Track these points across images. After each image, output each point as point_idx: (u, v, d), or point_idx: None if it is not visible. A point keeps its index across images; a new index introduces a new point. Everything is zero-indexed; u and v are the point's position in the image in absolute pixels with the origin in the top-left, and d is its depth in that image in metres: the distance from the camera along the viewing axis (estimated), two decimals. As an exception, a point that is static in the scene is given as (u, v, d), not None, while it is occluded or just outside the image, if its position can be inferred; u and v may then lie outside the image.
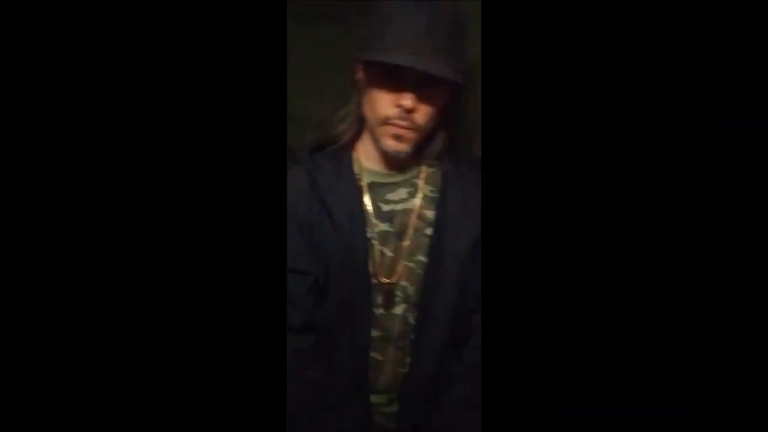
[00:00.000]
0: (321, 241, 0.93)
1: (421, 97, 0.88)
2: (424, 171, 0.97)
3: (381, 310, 0.94)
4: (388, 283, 0.93)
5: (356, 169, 0.97)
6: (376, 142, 0.94)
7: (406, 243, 0.94)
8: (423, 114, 0.90)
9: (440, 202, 0.95)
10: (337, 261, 0.92)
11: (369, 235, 0.94)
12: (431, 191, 0.96)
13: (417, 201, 0.96)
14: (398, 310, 0.94)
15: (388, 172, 0.97)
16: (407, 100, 0.87)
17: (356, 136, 0.99)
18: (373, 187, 0.96)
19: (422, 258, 0.93)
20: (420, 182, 0.97)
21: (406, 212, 0.95)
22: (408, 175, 0.97)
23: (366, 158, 0.98)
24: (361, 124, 0.97)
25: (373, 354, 0.94)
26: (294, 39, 1.12)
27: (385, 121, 0.90)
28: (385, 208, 0.95)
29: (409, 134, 0.90)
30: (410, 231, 0.94)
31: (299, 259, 0.92)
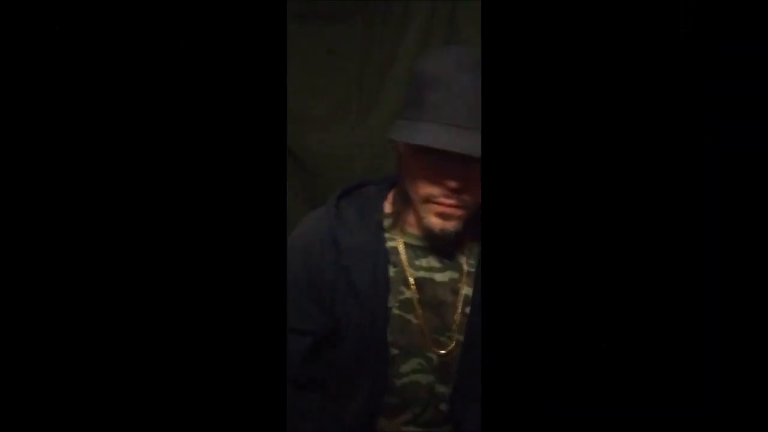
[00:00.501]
0: (335, 302, 0.86)
1: (470, 175, 0.78)
2: (467, 242, 0.88)
3: (405, 379, 0.87)
4: (442, 354, 0.86)
5: (387, 228, 0.88)
6: (420, 219, 0.84)
7: (434, 318, 0.86)
8: (473, 192, 0.80)
9: (477, 277, 0.87)
10: (353, 325, 0.85)
11: (391, 304, 0.86)
12: (470, 265, 0.87)
13: (454, 274, 0.88)
14: (446, 277, 0.87)
15: (425, 244, 0.87)
16: (453, 181, 0.78)
17: (394, 187, 0.90)
18: (406, 249, 0.87)
19: (459, 337, 0.87)
20: (456, 252, 0.88)
21: (440, 284, 0.87)
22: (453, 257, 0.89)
23: (406, 227, 0.88)
24: (404, 200, 0.86)
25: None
26: (294, 39, 1.13)
27: (429, 199, 0.81)
28: (416, 275, 0.87)
29: (458, 212, 0.81)
30: (441, 307, 0.87)
31: (303, 317, 0.87)
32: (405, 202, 0.86)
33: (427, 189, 0.80)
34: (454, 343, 0.86)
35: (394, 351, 0.86)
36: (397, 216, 0.87)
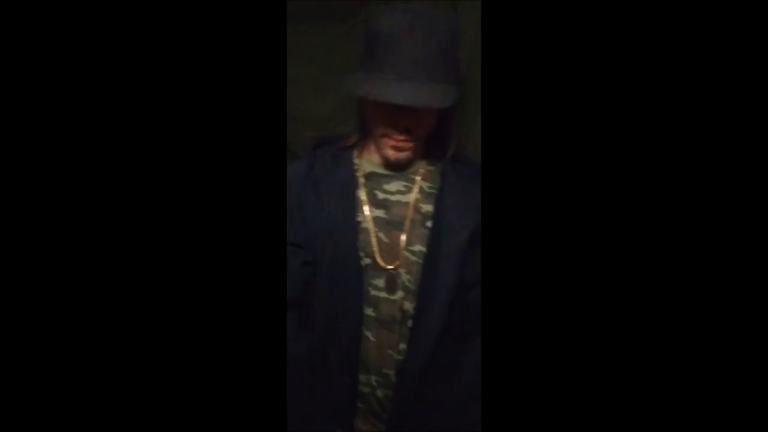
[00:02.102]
0: (311, 223, 0.97)
1: (418, 116, 0.92)
2: (423, 168, 1.00)
3: (382, 293, 0.96)
4: (391, 269, 0.95)
5: (356, 162, 1.01)
6: (378, 149, 0.98)
7: (404, 233, 0.96)
8: (422, 128, 0.95)
9: (437, 197, 0.98)
10: (326, 242, 0.95)
11: (360, 219, 0.97)
12: (429, 187, 1.00)
13: (413, 195, 0.99)
14: (396, 295, 0.95)
15: (388, 171, 1.01)
16: (403, 120, 0.91)
17: (360, 141, 1.03)
18: (371, 177, 1.00)
19: (421, 248, 0.95)
20: (418, 178, 1.00)
21: (402, 204, 0.98)
22: (406, 172, 1.01)
23: (368, 156, 1.01)
24: (363, 132, 1.01)
25: (365, 332, 0.95)
26: (294, 39, 1.13)
27: (384, 134, 0.95)
28: (380, 196, 0.99)
29: (409, 144, 0.95)
30: (407, 222, 0.97)
31: (296, 234, 0.96)
32: (367, 138, 1.01)
33: (383, 129, 0.95)
34: (419, 260, 0.96)
35: (366, 260, 0.96)
36: (362, 149, 1.02)
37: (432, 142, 1.00)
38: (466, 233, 0.95)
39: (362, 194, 0.99)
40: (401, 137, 0.94)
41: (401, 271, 0.96)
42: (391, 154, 0.96)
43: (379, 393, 0.96)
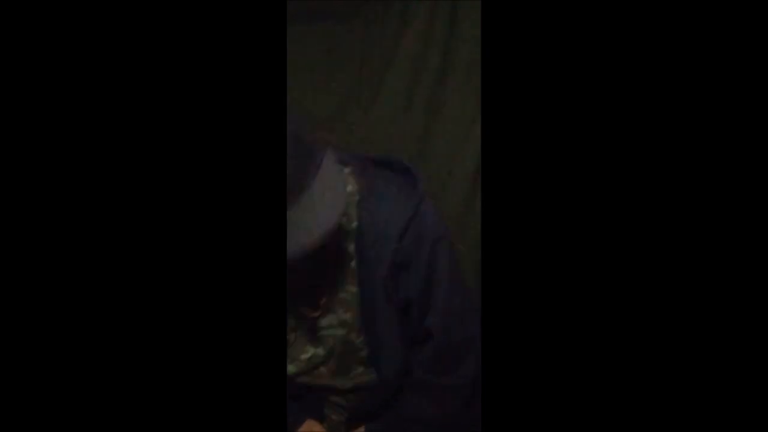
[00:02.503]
0: None
1: None
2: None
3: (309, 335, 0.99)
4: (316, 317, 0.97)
5: None
6: None
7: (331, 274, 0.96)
8: None
9: (357, 233, 0.96)
10: None
11: None
12: (345, 224, 0.95)
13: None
14: (334, 332, 0.98)
15: None
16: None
17: None
18: None
19: (353, 288, 0.96)
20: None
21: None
22: None
23: None
24: None
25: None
26: (294, 39, 1.13)
27: None
28: None
29: None
30: (332, 265, 0.96)
31: None
32: None
33: None
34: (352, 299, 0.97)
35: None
36: None
37: None
38: (386, 263, 0.94)
39: None
40: None
41: (339, 309, 0.97)
42: None
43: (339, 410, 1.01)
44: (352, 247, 0.96)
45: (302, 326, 0.98)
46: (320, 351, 0.99)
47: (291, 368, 0.99)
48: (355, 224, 0.96)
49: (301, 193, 0.81)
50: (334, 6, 1.31)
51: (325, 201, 0.82)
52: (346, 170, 0.97)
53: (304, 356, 0.99)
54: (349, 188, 0.96)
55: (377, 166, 1.01)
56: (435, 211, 1.01)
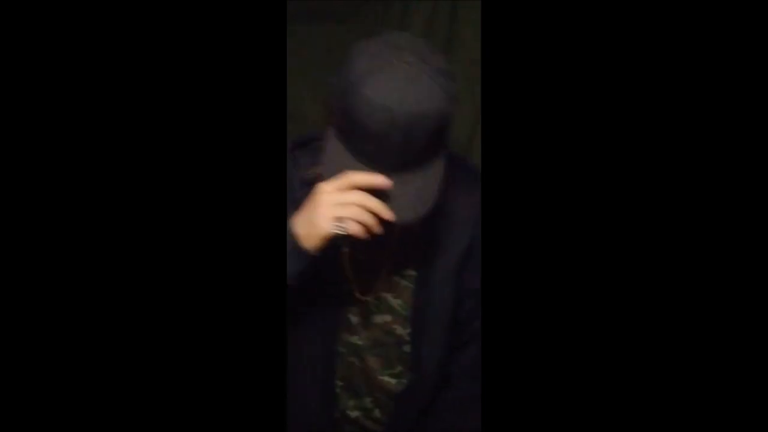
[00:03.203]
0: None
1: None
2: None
3: (363, 319, 0.92)
4: (366, 299, 0.92)
5: None
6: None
7: (386, 253, 0.90)
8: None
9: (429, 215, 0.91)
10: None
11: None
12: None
13: (385, 317, 0.93)
14: (378, 319, 0.92)
15: None
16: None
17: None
18: None
19: (412, 272, 0.91)
20: (389, 296, 0.94)
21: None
22: None
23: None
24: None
25: (350, 358, 0.93)
26: (294, 39, 1.13)
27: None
28: None
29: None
30: (391, 243, 0.90)
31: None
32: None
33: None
34: (406, 282, 0.92)
35: (339, 384, 0.93)
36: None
37: None
38: (460, 249, 0.90)
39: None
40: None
41: (388, 295, 0.92)
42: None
43: (377, 413, 0.95)
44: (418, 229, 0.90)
45: (353, 309, 0.92)
46: (365, 337, 0.93)
47: (340, 348, 0.93)
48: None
49: (405, 170, 0.76)
50: (334, 6, 1.31)
51: (428, 175, 0.77)
52: None
53: (352, 339, 0.93)
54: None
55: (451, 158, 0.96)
56: None
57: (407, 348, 0.92)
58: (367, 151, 0.75)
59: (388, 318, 0.92)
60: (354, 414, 0.96)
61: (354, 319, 0.92)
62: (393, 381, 0.94)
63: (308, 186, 0.84)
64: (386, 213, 0.75)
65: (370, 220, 0.75)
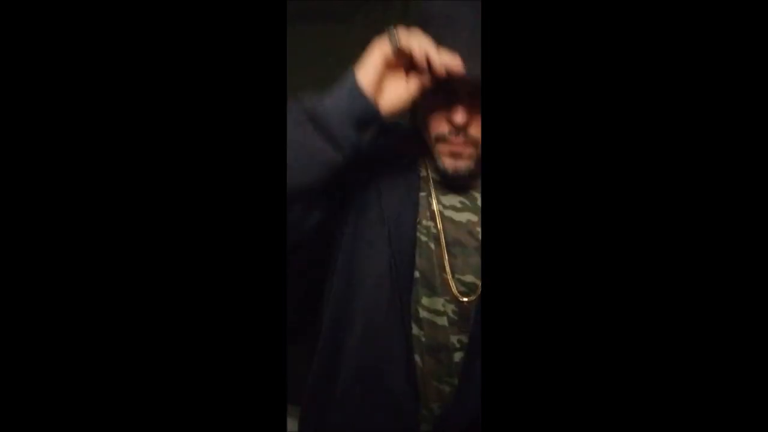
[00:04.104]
0: (360, 215, 0.87)
1: (476, 109, 0.80)
2: None
3: (430, 316, 0.87)
4: (464, 301, 0.86)
5: (420, 165, 0.90)
6: (434, 161, 0.86)
7: (450, 256, 0.86)
8: (480, 127, 0.81)
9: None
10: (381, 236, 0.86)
11: (417, 231, 0.86)
12: None
13: (467, 215, 0.88)
14: (442, 321, 0.87)
15: (448, 181, 0.89)
16: (459, 115, 0.79)
17: (421, 158, 0.91)
18: (432, 183, 0.89)
19: (474, 280, 0.86)
20: (478, 195, 0.88)
21: (454, 223, 0.88)
22: (468, 186, 0.89)
23: (431, 161, 0.88)
24: (421, 143, 0.88)
25: (414, 355, 0.87)
26: (294, 39, 1.13)
27: (440, 140, 0.83)
28: (435, 207, 0.87)
29: (468, 150, 0.82)
30: (457, 245, 0.87)
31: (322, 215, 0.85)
32: (423, 143, 0.87)
33: (437, 128, 0.82)
34: (475, 294, 0.86)
35: (417, 273, 0.86)
36: (419, 154, 0.89)
37: None
38: None
39: (420, 201, 0.87)
40: (458, 139, 0.81)
41: (444, 299, 0.87)
42: (448, 164, 0.83)
43: (423, 428, 0.88)
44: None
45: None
46: (422, 338, 0.87)
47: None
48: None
49: None
50: (334, 6, 1.31)
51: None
52: None
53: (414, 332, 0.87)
54: None
55: None
56: None
57: (457, 357, 0.87)
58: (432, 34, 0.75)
59: (474, 217, 0.87)
60: (424, 315, 0.88)
61: (422, 314, 0.87)
62: (447, 390, 0.87)
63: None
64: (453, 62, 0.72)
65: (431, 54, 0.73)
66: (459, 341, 0.87)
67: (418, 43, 0.73)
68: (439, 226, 0.87)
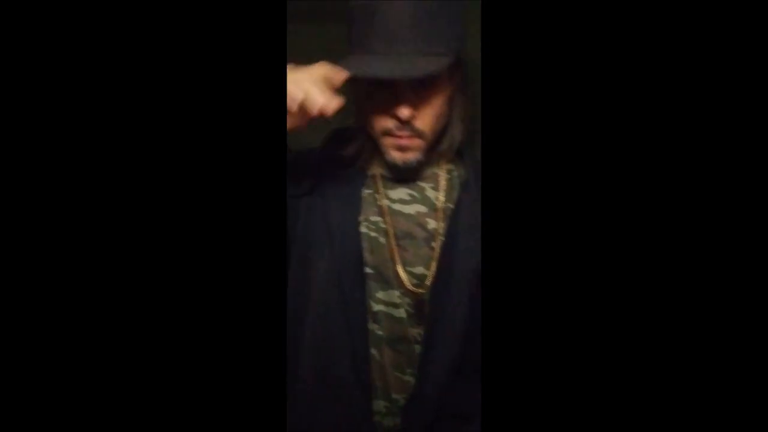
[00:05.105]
0: (312, 225, 0.88)
1: (420, 102, 0.81)
2: (438, 177, 0.90)
3: (386, 309, 0.88)
4: (418, 292, 0.86)
5: (363, 164, 0.91)
6: (382, 154, 0.87)
7: (401, 249, 0.87)
8: (425, 119, 0.83)
9: (453, 213, 0.88)
10: (325, 249, 0.87)
11: (362, 226, 0.87)
12: (440, 199, 0.89)
13: (416, 207, 0.89)
14: (399, 313, 0.88)
15: (395, 176, 0.90)
16: (403, 110, 0.80)
17: (368, 155, 0.92)
18: (377, 180, 0.90)
19: (423, 271, 0.88)
20: (427, 187, 0.90)
21: (404, 216, 0.89)
22: (415, 180, 0.90)
23: (377, 157, 0.90)
24: (367, 140, 0.90)
25: (371, 350, 0.87)
26: (294, 39, 1.13)
27: (385, 134, 0.84)
28: (383, 202, 0.88)
29: (415, 143, 0.84)
30: (407, 239, 0.88)
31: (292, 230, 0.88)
32: (369, 140, 0.89)
33: (382, 123, 0.82)
34: (428, 282, 0.87)
35: (368, 269, 0.87)
36: (364, 151, 0.91)
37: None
38: (479, 257, 0.84)
39: (366, 198, 0.89)
40: (404, 133, 0.82)
41: (399, 291, 0.87)
42: (397, 156, 0.84)
43: (388, 421, 0.88)
44: (441, 226, 0.87)
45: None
46: (378, 331, 0.87)
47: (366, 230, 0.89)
48: (452, 205, 0.88)
49: None
50: (334, 6, 1.31)
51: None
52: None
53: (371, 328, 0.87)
54: (455, 169, 0.91)
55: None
56: None
57: (418, 349, 0.87)
58: (371, 33, 0.76)
59: (423, 209, 0.88)
60: (379, 308, 0.89)
61: (377, 308, 0.88)
62: (409, 380, 0.87)
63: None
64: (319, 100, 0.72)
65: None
66: (418, 333, 0.88)
67: (294, 88, 0.73)
68: (388, 220, 0.87)
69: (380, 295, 0.88)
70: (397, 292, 0.88)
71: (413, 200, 0.89)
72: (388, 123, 0.83)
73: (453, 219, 0.88)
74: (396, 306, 0.89)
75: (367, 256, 0.88)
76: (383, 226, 0.88)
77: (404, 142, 0.83)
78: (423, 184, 0.90)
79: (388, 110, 0.82)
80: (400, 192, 0.90)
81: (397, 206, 0.89)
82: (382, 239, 0.88)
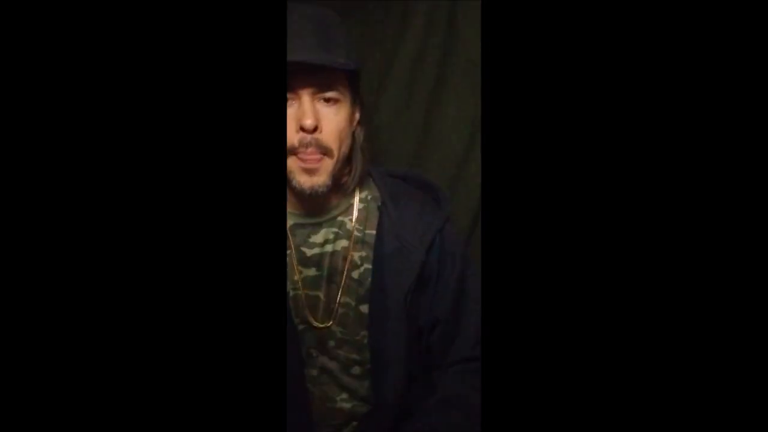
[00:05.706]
0: None
1: (323, 113, 0.83)
2: (354, 207, 0.92)
3: (315, 352, 0.92)
4: (321, 328, 0.91)
5: None
6: (291, 187, 0.86)
7: (339, 288, 0.90)
8: (329, 135, 0.84)
9: (376, 241, 0.91)
10: None
11: (290, 284, 0.89)
12: (360, 229, 0.92)
13: (342, 243, 0.91)
14: (334, 352, 0.92)
15: (309, 214, 0.91)
16: (306, 120, 0.81)
17: None
18: (294, 230, 0.91)
19: (349, 301, 0.91)
20: (347, 221, 0.92)
21: (334, 255, 0.91)
22: (334, 213, 0.92)
23: (289, 208, 0.91)
24: None
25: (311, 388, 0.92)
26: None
27: (292, 153, 0.83)
28: (309, 252, 0.90)
29: (321, 163, 0.83)
30: (341, 275, 0.91)
31: None
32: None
33: (288, 141, 0.82)
34: (349, 311, 0.91)
35: (301, 326, 0.91)
36: None
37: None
38: (411, 276, 0.88)
39: (291, 253, 0.89)
40: (310, 152, 0.82)
41: (335, 328, 0.91)
42: (304, 181, 0.83)
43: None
44: (365, 255, 0.91)
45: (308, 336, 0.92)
46: (330, 364, 0.92)
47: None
48: (374, 232, 0.91)
49: None
50: (334, 6, 1.31)
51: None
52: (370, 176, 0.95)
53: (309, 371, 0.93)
54: (369, 194, 0.94)
55: (395, 177, 0.98)
56: (455, 232, 0.98)
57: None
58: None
59: (346, 243, 0.90)
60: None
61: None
62: (345, 406, 0.93)
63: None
64: None
65: None
66: (345, 360, 0.92)
67: None
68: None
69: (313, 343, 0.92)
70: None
71: (337, 237, 0.92)
72: (293, 140, 0.83)
73: (378, 243, 0.90)
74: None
75: (300, 312, 0.91)
76: (318, 273, 0.91)
77: (311, 164, 0.83)
78: (342, 218, 0.92)
79: (294, 125, 0.83)
80: (325, 233, 0.92)
81: (326, 248, 0.91)
82: (317, 291, 0.91)
